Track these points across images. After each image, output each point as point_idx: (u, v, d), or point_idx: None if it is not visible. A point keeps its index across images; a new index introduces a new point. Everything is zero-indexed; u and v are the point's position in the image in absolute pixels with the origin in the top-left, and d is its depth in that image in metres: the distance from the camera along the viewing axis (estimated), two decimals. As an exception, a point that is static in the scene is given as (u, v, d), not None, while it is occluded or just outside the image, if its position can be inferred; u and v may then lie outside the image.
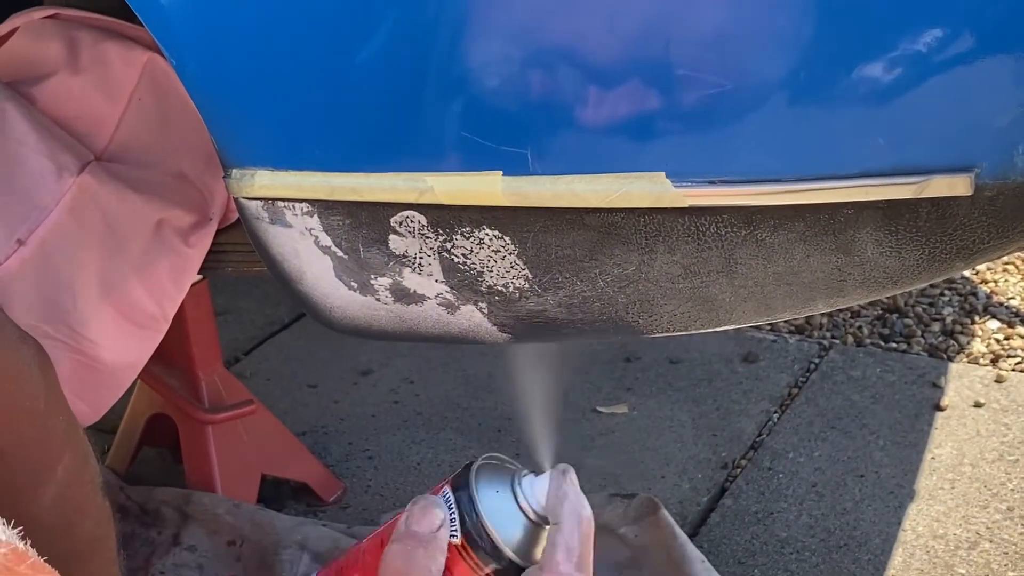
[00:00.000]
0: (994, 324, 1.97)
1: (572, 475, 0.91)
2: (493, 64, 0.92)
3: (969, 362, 1.87)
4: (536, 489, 0.91)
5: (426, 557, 0.85)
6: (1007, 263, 2.15)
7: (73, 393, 1.13)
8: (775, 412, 1.77)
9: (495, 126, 0.93)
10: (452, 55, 0.92)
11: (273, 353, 1.98)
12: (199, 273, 1.35)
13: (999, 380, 1.80)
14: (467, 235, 0.97)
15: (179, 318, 1.40)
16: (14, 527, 0.65)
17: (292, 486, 1.61)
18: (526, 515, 0.89)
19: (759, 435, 1.72)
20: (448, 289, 1.00)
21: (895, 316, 1.99)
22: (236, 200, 1.03)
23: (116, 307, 1.26)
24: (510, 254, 0.97)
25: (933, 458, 1.65)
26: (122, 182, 1.26)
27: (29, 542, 0.65)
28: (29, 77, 1.29)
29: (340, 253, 1.01)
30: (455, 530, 0.87)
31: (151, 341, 1.31)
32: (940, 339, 1.93)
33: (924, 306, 2.03)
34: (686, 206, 0.91)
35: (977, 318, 1.99)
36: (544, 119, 0.93)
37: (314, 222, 1.01)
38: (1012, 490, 1.57)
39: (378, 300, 1.03)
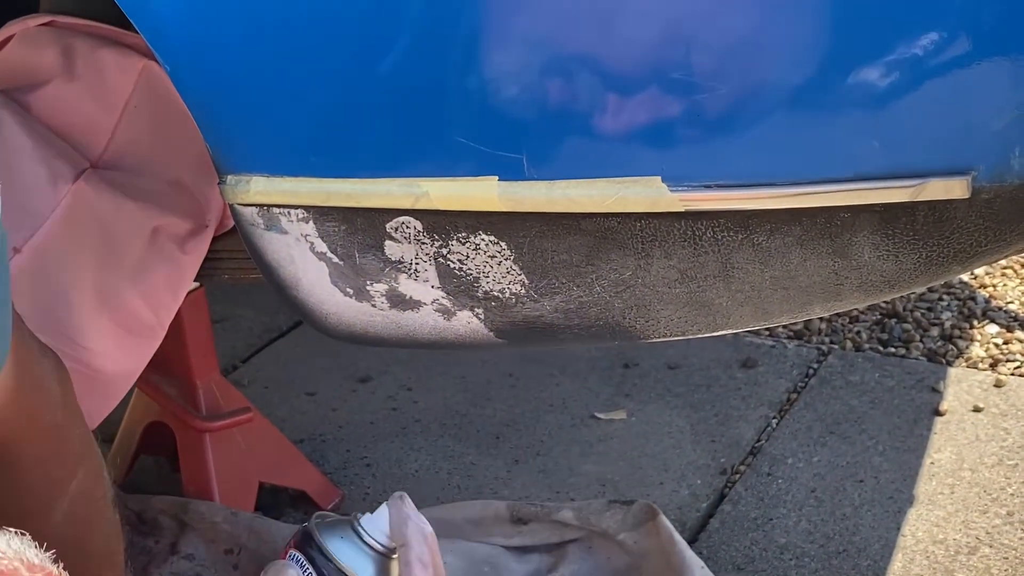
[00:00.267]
0: (993, 328, 1.96)
1: (408, 499, 0.98)
2: (488, 70, 0.92)
3: (968, 367, 1.87)
4: (378, 523, 0.98)
5: None
6: (1006, 267, 2.15)
7: (69, 401, 1.12)
8: (774, 418, 1.76)
9: (491, 131, 0.93)
10: (447, 61, 0.92)
11: (271, 361, 1.98)
12: (195, 280, 1.35)
13: (998, 384, 1.80)
14: (463, 240, 0.97)
15: (176, 326, 1.40)
16: (26, 539, 0.65)
17: (290, 494, 1.61)
18: (375, 549, 0.97)
19: (758, 441, 1.71)
20: (444, 295, 1.00)
21: (894, 321, 1.99)
22: (231, 207, 1.03)
23: (112, 315, 1.26)
24: (506, 259, 0.97)
25: (932, 463, 1.64)
26: (118, 189, 1.26)
27: (62, 565, 0.65)
28: (24, 85, 1.28)
29: (336, 259, 1.01)
30: None
31: (147, 349, 1.31)
32: (939, 344, 1.93)
33: (923, 311, 2.02)
34: (682, 210, 0.91)
35: (976, 322, 1.99)
36: (540, 124, 0.93)
37: (309, 228, 1.00)
38: (1012, 495, 1.57)
39: (374, 306, 1.02)
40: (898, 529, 1.52)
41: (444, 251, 0.98)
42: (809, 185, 0.89)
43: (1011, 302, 2.06)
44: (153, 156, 1.31)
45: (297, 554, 0.97)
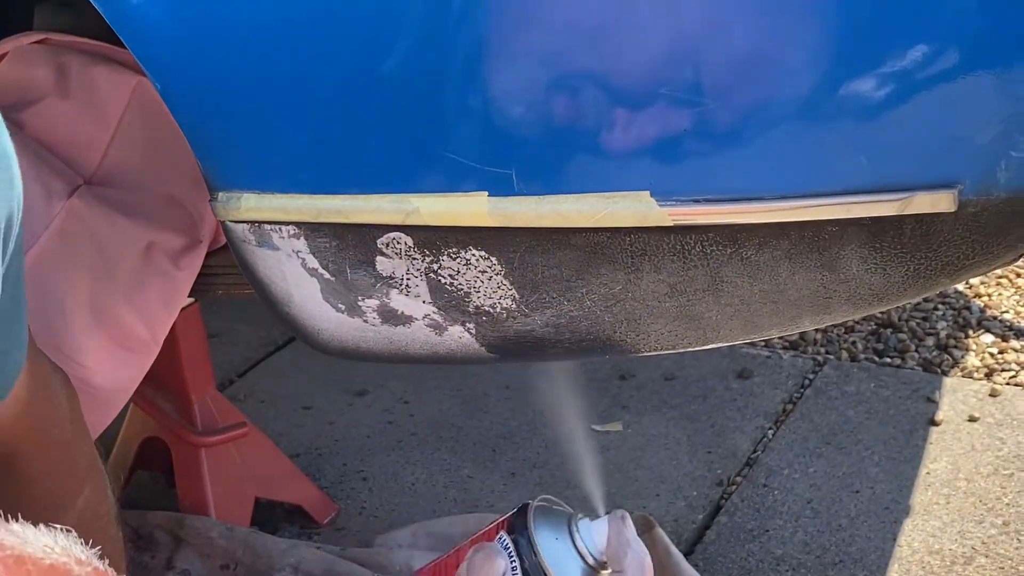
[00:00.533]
0: (988, 338, 1.97)
1: (629, 520, 0.91)
2: (478, 87, 0.92)
3: (963, 376, 1.87)
4: (595, 534, 0.91)
5: None
6: (1000, 277, 2.15)
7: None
8: (770, 428, 1.77)
9: (480, 147, 0.93)
10: (436, 79, 0.92)
11: (267, 374, 1.98)
12: (189, 296, 1.35)
13: (993, 394, 1.80)
14: (454, 256, 0.97)
15: (171, 341, 1.40)
16: (72, 535, 0.66)
17: (286, 508, 1.61)
18: (584, 560, 0.90)
19: (754, 452, 1.72)
20: (435, 310, 1.00)
21: (889, 331, 1.99)
22: (223, 223, 1.03)
23: (107, 331, 1.26)
24: (497, 274, 0.97)
25: (928, 473, 1.64)
26: (111, 206, 1.26)
27: (107, 561, 0.65)
28: (18, 102, 1.29)
29: (327, 275, 1.01)
30: (515, 574, 0.88)
31: (142, 365, 1.31)
32: (934, 353, 1.93)
33: (918, 320, 2.03)
34: (671, 225, 0.91)
35: (971, 332, 1.99)
36: (529, 140, 0.93)
37: (301, 244, 1.01)
38: (1007, 504, 1.57)
39: (366, 322, 1.03)
40: (894, 540, 1.53)
41: (435, 266, 0.98)
42: (796, 199, 0.89)
43: (1006, 311, 2.06)
44: (147, 172, 1.32)
45: (506, 538, 0.90)
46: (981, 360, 1.91)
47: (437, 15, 0.90)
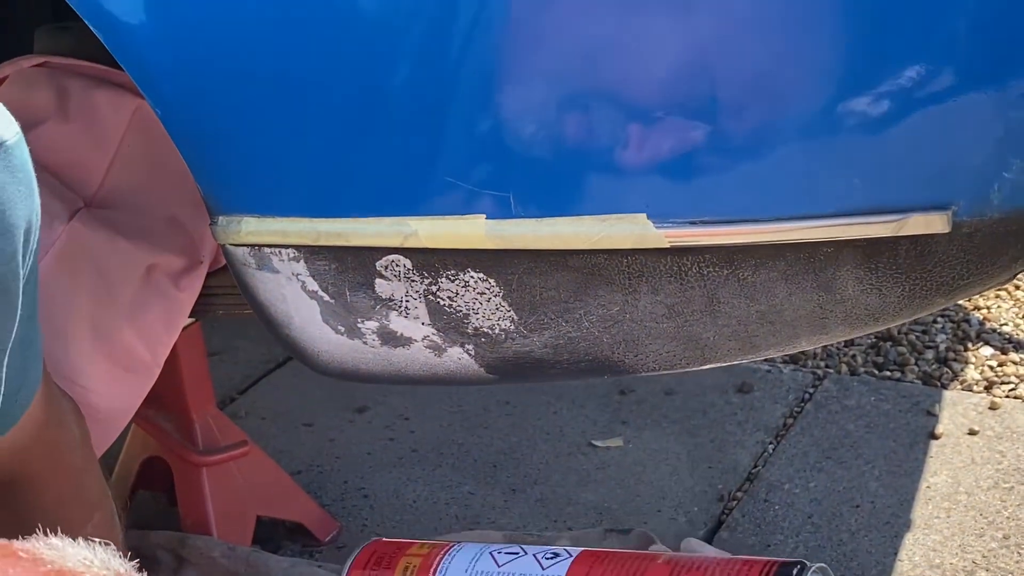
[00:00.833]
0: (987, 351, 1.97)
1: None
2: (474, 110, 0.93)
3: (963, 389, 1.88)
4: None
5: None
6: (999, 289, 2.16)
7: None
8: (770, 443, 1.77)
9: (477, 170, 0.94)
10: (433, 102, 0.93)
11: (268, 392, 1.99)
12: (190, 317, 1.36)
13: (993, 407, 1.81)
14: (452, 278, 0.98)
15: (172, 361, 1.41)
16: (110, 549, 0.66)
17: (287, 526, 1.61)
18: None
19: (755, 466, 1.72)
20: (434, 332, 1.01)
21: (888, 344, 2.00)
22: (223, 247, 1.04)
23: (108, 353, 1.27)
24: (495, 296, 0.98)
25: (928, 487, 1.65)
26: (112, 228, 1.27)
27: (146, 574, 0.65)
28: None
29: (327, 297, 1.02)
30: None
31: (143, 386, 1.32)
32: (934, 367, 1.94)
33: (917, 334, 2.03)
34: (668, 246, 0.92)
35: (970, 345, 2.00)
36: (526, 163, 0.94)
37: (301, 267, 1.02)
38: (1008, 518, 1.57)
39: (365, 343, 1.04)
40: (895, 554, 1.53)
41: (434, 288, 0.99)
42: (792, 221, 0.90)
43: (1005, 324, 2.07)
44: (147, 194, 1.32)
45: None
46: (980, 373, 1.91)
47: (436, 43, 0.91)
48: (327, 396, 1.93)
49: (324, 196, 0.99)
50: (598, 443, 1.79)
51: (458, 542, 1.06)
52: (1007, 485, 1.64)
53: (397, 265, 0.99)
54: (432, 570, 1.04)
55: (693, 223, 0.92)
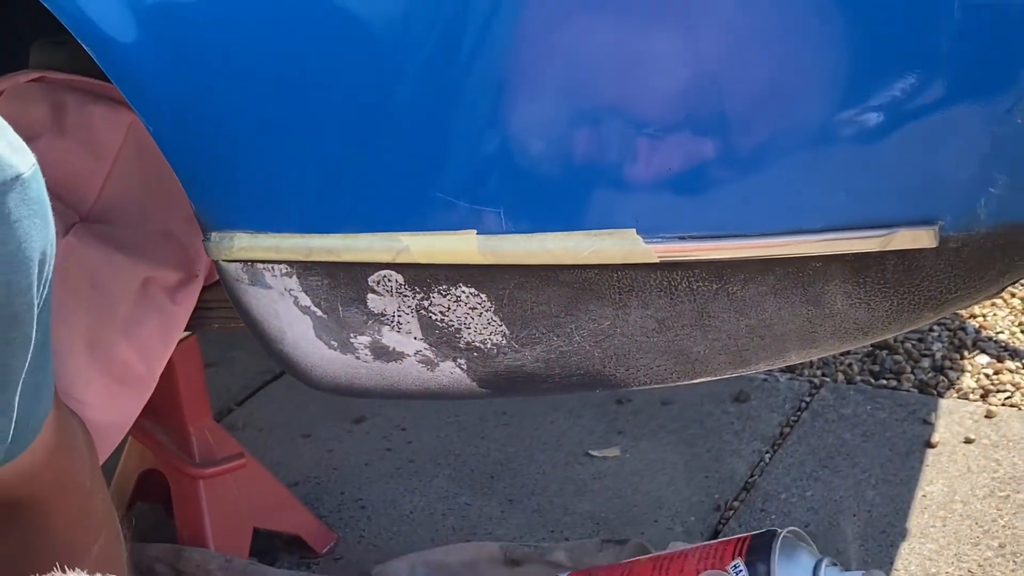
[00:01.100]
0: (983, 359, 1.98)
1: None
2: (464, 128, 0.94)
3: (959, 397, 1.88)
4: None
5: None
6: (995, 297, 2.16)
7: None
8: (767, 452, 1.77)
9: (468, 186, 0.95)
10: (424, 119, 0.94)
11: (266, 403, 1.99)
12: (186, 330, 1.36)
13: (989, 415, 1.81)
14: (444, 293, 0.99)
15: (168, 373, 1.41)
16: None
17: (284, 538, 1.62)
18: None
19: (751, 476, 1.72)
20: (427, 346, 1.02)
21: (885, 352, 2.00)
22: (216, 263, 1.05)
23: (104, 367, 1.27)
24: (487, 311, 0.99)
25: (924, 495, 1.65)
26: (108, 243, 1.28)
27: None
28: (14, 141, 1.30)
29: (320, 313, 1.03)
30: None
31: (139, 400, 1.32)
32: (930, 375, 1.94)
33: (913, 342, 2.03)
34: (657, 261, 0.93)
35: (966, 353, 2.00)
36: (517, 178, 0.94)
37: (293, 283, 1.02)
38: (1003, 527, 1.58)
39: (358, 358, 1.04)
40: (891, 563, 1.53)
41: (426, 303, 0.99)
42: (780, 236, 0.91)
43: (1001, 332, 2.07)
44: (142, 208, 1.33)
45: (742, 567, 0.85)
46: (976, 381, 1.91)
47: (428, 61, 0.92)
48: (324, 407, 1.93)
49: (316, 212, 0.99)
50: (595, 453, 1.80)
51: None
52: (1003, 494, 1.64)
53: (389, 280, 1.00)
54: None
55: (682, 238, 0.92)
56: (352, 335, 1.03)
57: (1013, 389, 1.88)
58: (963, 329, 2.07)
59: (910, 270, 0.91)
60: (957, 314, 2.12)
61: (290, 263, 1.01)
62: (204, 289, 1.35)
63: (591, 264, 0.94)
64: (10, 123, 1.33)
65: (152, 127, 0.99)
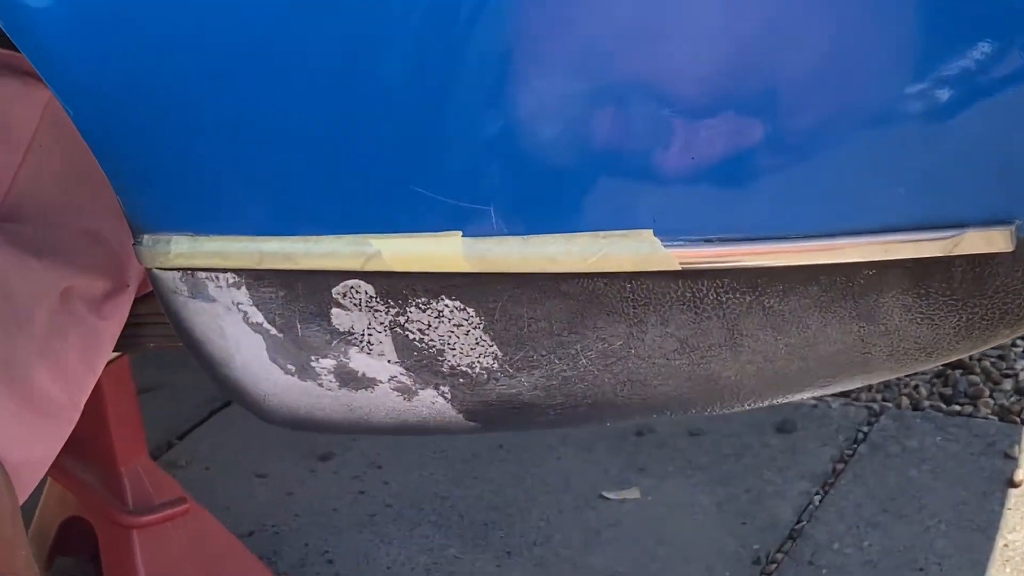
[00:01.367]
0: (1078, 380, 1.98)
1: None
2: (446, 103, 0.94)
3: (1048, 426, 1.89)
4: None
5: None
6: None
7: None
8: (816, 493, 1.78)
9: (452, 178, 0.95)
10: (398, 96, 0.94)
11: (213, 436, 2.00)
12: (115, 350, 1.37)
13: (1084, 448, 1.82)
14: (423, 307, 0.99)
15: (95, 402, 1.42)
16: None
17: (236, 599, 1.62)
18: None
19: (798, 522, 1.73)
20: (403, 371, 1.02)
21: (958, 373, 2.00)
22: (149, 272, 1.05)
23: (16, 394, 1.27)
24: (475, 328, 0.99)
25: (1006, 545, 1.66)
26: (20, 245, 1.28)
27: None
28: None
29: (274, 331, 1.03)
30: None
31: (59, 433, 1.32)
32: (1012, 399, 1.94)
33: (992, 359, 2.04)
34: (679, 269, 0.93)
35: (1058, 373, 2.01)
36: (510, 169, 0.94)
37: (242, 295, 1.02)
38: (1101, 583, 1.58)
39: (320, 386, 1.04)
40: (966, 627, 1.54)
41: (401, 320, 1.00)
42: (826, 238, 0.91)
43: (1099, 347, 2.08)
44: (63, 203, 1.33)
45: None
46: (1070, 407, 1.92)
47: (402, 25, 0.92)
48: (284, 441, 1.94)
49: (269, 210, 0.99)
50: (610, 495, 1.80)
51: None
52: (1100, 543, 1.65)
53: (357, 292, 1.00)
54: None
55: (709, 241, 0.92)
56: (313, 358, 1.03)
57: (1113, 416, 1.89)
58: (1053, 344, 2.07)
59: (981, 278, 0.91)
60: (1045, 326, 2.12)
61: (238, 271, 1.01)
62: (137, 301, 1.35)
63: (600, 272, 0.94)
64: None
65: (70, 107, 0.99)
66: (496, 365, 1.00)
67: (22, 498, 1.33)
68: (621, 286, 0.95)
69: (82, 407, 1.33)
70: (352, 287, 1.00)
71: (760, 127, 0.91)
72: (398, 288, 0.99)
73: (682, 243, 0.93)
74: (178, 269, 1.03)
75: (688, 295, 0.95)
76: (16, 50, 1.35)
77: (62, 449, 1.33)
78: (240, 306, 1.03)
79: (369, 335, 1.01)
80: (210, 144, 0.98)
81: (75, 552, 1.64)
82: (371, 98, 0.94)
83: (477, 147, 0.94)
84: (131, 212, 1.03)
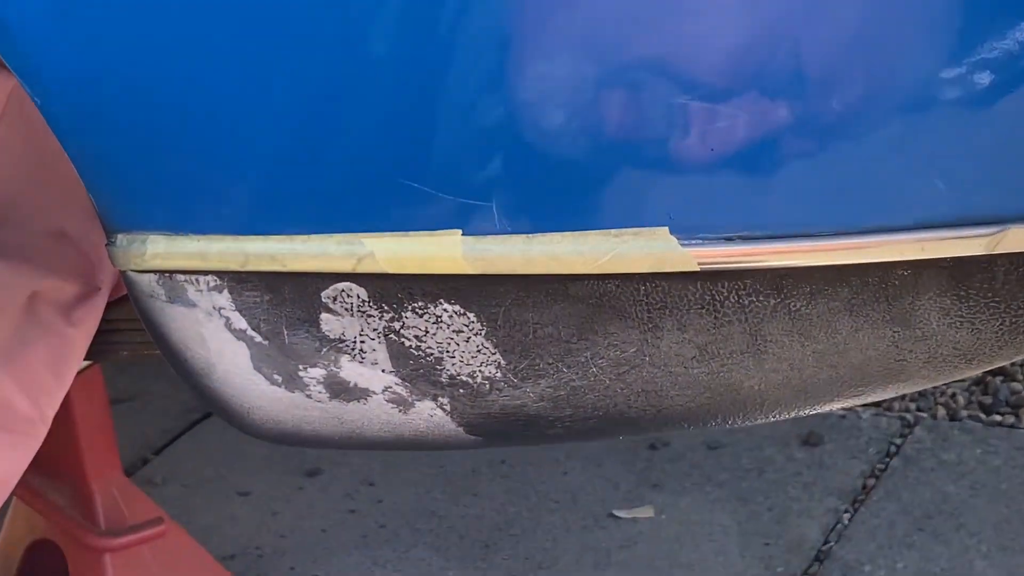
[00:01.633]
0: None
1: None
2: (446, 90, 0.94)
3: (1097, 438, 1.89)
4: None
5: None
6: None
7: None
8: (845, 511, 1.78)
9: (451, 172, 0.95)
10: (395, 78, 0.94)
11: (192, 450, 2.00)
12: (86, 359, 1.37)
13: None
14: (420, 312, 0.99)
15: (65, 415, 1.42)
16: None
17: (217, 628, 1.62)
18: None
19: (825, 542, 1.73)
20: (398, 381, 1.02)
21: (999, 380, 2.00)
22: (123, 274, 1.05)
23: (-22, 408, 1.28)
24: (476, 335, 0.99)
25: (1052, 567, 1.66)
26: (-17, 247, 1.28)
27: None
28: None
29: (259, 338, 1.03)
30: None
31: (26, 449, 1.33)
32: (1059, 408, 1.95)
33: (1037, 365, 2.04)
34: (697, 270, 0.93)
35: (1107, 380, 2.01)
36: (513, 161, 0.94)
37: (224, 299, 1.02)
38: None
39: (309, 397, 1.04)
40: (1008, 655, 1.54)
41: (396, 326, 1.00)
42: (858, 236, 0.91)
43: None
44: (29, 202, 1.33)
45: None
46: (1120, 416, 1.92)
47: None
48: (269, 456, 1.94)
49: (253, 207, 0.99)
50: (621, 514, 1.80)
51: None
52: None
53: (348, 296, 1.00)
54: None
55: (729, 239, 0.92)
56: (301, 367, 1.03)
57: None
58: (1101, 348, 2.07)
59: (1026, 279, 0.92)
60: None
61: (220, 274, 1.01)
62: (110, 306, 1.35)
63: (611, 274, 0.94)
64: None
65: (37, 96, 0.99)
66: (499, 374, 1.00)
67: (-14, 519, 1.34)
68: (634, 289, 0.95)
69: (51, 420, 1.33)
70: (343, 290, 1.00)
71: (785, 113, 0.91)
72: (393, 291, 0.99)
73: (700, 242, 0.93)
74: (155, 271, 1.03)
75: (707, 298, 0.95)
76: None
77: (29, 466, 1.34)
78: (222, 311, 1.03)
79: (361, 342, 1.01)
80: (189, 135, 0.98)
81: (43, 577, 1.64)
82: (362, 83, 0.94)
83: (477, 137, 0.94)
84: (104, 210, 1.03)
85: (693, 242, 0.93)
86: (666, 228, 0.93)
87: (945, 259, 0.91)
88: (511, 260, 0.95)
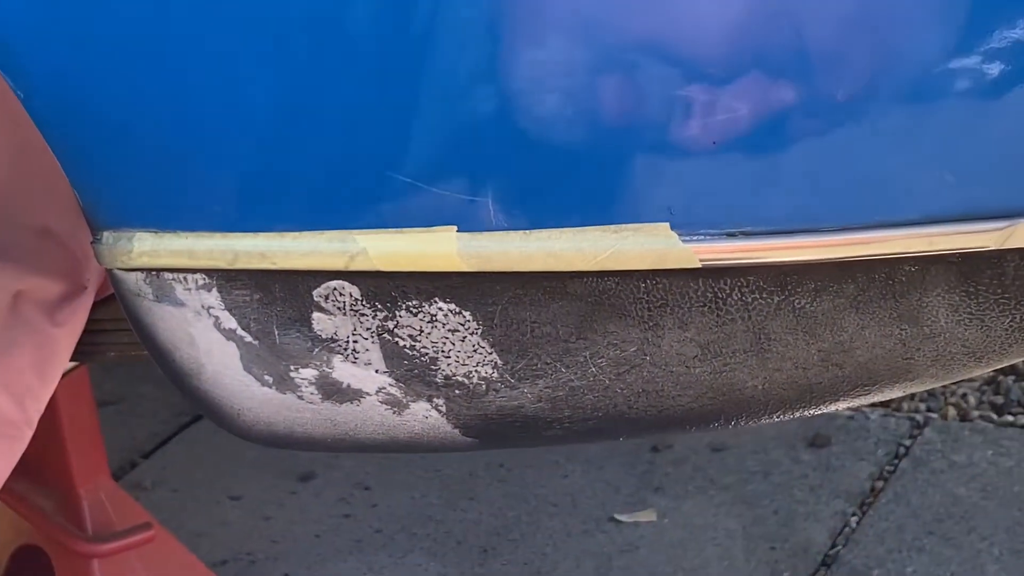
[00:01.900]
0: None
1: None
2: (440, 82, 0.94)
3: (1112, 438, 1.89)
4: None
5: None
6: None
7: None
8: (853, 514, 1.78)
9: (445, 166, 0.95)
10: (385, 73, 0.94)
11: (182, 454, 2.00)
12: (72, 360, 1.37)
13: None
14: (414, 311, 0.99)
15: (51, 418, 1.42)
16: None
17: (208, 636, 1.62)
18: None
19: (833, 546, 1.73)
20: (392, 382, 1.02)
21: (1011, 380, 2.00)
22: (110, 273, 1.05)
23: (-38, 411, 1.28)
24: (472, 334, 0.99)
25: (1065, 571, 1.66)
26: (-36, 245, 1.28)
27: None
28: None
29: (249, 338, 1.03)
30: None
31: (11, 453, 1.33)
32: (1073, 408, 1.95)
33: (1050, 364, 2.04)
34: (699, 267, 0.93)
35: (1122, 378, 2.01)
36: (510, 154, 0.94)
37: (213, 298, 1.02)
38: None
39: (301, 399, 1.04)
40: (1020, 663, 1.54)
41: (390, 325, 1.00)
42: (863, 230, 0.91)
43: None
44: (11, 198, 1.33)
45: None
46: None
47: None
48: (261, 459, 1.94)
49: (243, 204, 0.99)
50: (623, 518, 1.80)
51: None
52: None
53: (341, 294, 1.00)
54: None
55: (732, 235, 0.92)
56: (292, 367, 1.03)
57: None
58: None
59: (1037, 275, 0.92)
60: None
61: (209, 272, 1.01)
62: (96, 305, 1.35)
63: (610, 271, 0.94)
64: None
65: (20, 89, 0.99)
66: (496, 375, 1.00)
67: (-31, 525, 1.34)
68: (635, 286, 0.95)
69: (36, 423, 1.33)
70: (335, 289, 1.00)
71: (789, 104, 0.91)
72: (386, 290, 0.99)
73: (702, 237, 0.93)
74: (142, 269, 1.03)
75: (709, 295, 0.95)
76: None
77: (14, 470, 1.34)
78: (211, 310, 1.03)
79: (354, 342, 1.01)
80: (175, 129, 0.98)
81: (29, 584, 1.64)
82: (352, 74, 0.94)
83: (473, 130, 0.94)
84: (89, 207, 1.03)
85: (695, 238, 0.93)
86: (667, 224, 0.93)
87: (954, 254, 0.91)
88: (508, 257, 0.95)
